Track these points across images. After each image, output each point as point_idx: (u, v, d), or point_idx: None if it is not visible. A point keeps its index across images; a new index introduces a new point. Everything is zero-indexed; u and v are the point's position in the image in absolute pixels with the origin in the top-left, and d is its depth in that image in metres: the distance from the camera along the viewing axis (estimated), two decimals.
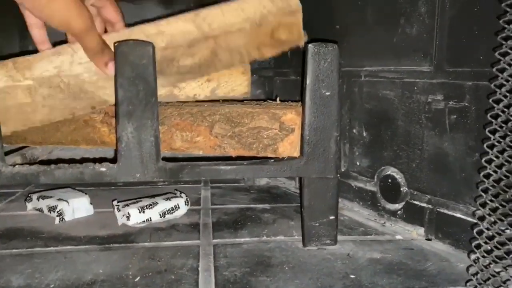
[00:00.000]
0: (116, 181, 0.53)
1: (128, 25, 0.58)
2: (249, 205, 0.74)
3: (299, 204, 0.73)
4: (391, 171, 0.63)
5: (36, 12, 0.48)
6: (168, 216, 0.66)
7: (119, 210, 0.64)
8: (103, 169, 0.52)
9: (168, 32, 0.55)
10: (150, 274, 0.49)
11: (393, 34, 0.61)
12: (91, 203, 0.69)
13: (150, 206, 0.65)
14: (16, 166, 0.52)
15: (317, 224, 0.56)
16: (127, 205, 0.65)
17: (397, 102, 0.61)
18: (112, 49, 0.52)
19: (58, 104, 0.56)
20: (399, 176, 0.62)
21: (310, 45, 0.53)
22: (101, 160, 0.54)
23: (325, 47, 0.53)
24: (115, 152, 0.54)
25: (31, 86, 0.54)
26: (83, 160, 0.54)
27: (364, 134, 0.67)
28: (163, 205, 0.66)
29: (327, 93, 0.53)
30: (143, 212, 0.64)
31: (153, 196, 0.69)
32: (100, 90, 0.56)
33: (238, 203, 0.75)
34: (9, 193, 0.81)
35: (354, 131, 0.69)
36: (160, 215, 0.65)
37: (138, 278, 0.48)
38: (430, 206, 0.58)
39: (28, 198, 0.71)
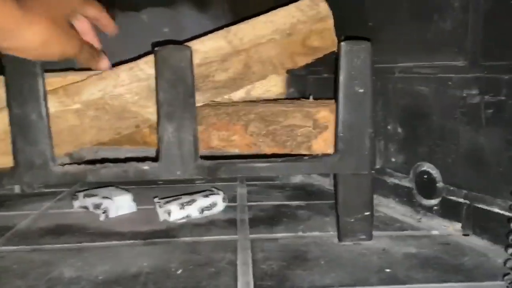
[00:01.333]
0: (158, 178, 0.55)
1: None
2: (284, 202, 0.75)
3: (334, 201, 0.74)
4: (427, 166, 0.63)
5: (31, 57, 0.49)
6: (206, 213, 0.68)
7: (161, 207, 0.67)
8: (146, 167, 0.55)
9: (201, 50, 0.57)
10: (191, 267, 0.51)
11: (426, 29, 0.61)
12: (133, 201, 0.72)
13: (190, 203, 0.67)
14: (66, 165, 0.55)
15: (352, 220, 0.56)
16: (168, 202, 0.68)
17: (431, 97, 0.61)
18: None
19: (105, 124, 0.60)
20: (434, 172, 0.62)
21: (342, 43, 0.53)
22: (143, 159, 0.57)
23: (358, 44, 0.53)
24: (157, 151, 0.56)
25: (80, 110, 0.57)
26: (127, 159, 0.57)
27: (399, 130, 0.67)
28: (202, 202, 0.68)
29: (361, 90, 0.54)
30: (183, 208, 0.66)
31: (192, 194, 0.71)
32: (142, 109, 0.59)
33: (273, 200, 0.77)
34: (57, 192, 0.85)
35: (389, 127, 0.69)
36: (199, 211, 0.68)
37: (181, 270, 0.50)
38: (467, 201, 0.57)
39: (74, 197, 0.75)
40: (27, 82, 0.52)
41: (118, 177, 0.55)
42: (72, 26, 0.50)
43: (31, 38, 0.44)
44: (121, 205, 0.70)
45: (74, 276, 0.50)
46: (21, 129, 0.53)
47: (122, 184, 0.78)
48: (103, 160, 0.59)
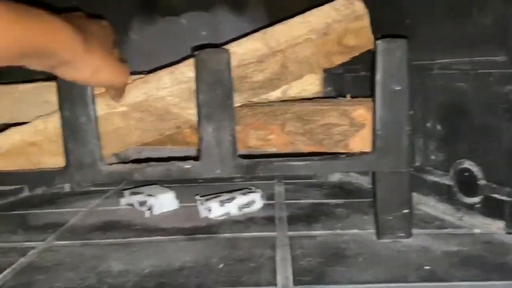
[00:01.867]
0: (199, 177, 0.58)
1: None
2: (322, 200, 0.76)
3: (372, 199, 0.74)
4: (468, 164, 0.62)
5: (80, 83, 0.52)
6: (245, 210, 0.70)
7: (202, 204, 0.69)
8: (188, 166, 0.57)
9: (239, 52, 0.58)
10: (232, 262, 0.53)
11: (465, 25, 0.60)
12: (176, 198, 0.75)
13: (229, 200, 0.69)
14: (113, 165, 0.58)
15: (391, 218, 0.57)
16: (208, 199, 0.70)
17: (471, 93, 0.60)
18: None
19: (149, 126, 0.62)
20: (476, 169, 0.61)
21: (378, 41, 0.54)
22: (185, 158, 0.59)
23: (394, 42, 0.53)
24: (198, 151, 0.59)
25: (125, 112, 0.60)
26: (169, 159, 0.59)
27: (438, 127, 0.67)
28: (241, 199, 0.70)
29: (398, 88, 0.54)
30: (223, 206, 0.68)
31: (231, 191, 0.73)
32: (183, 110, 0.62)
33: (311, 198, 0.78)
34: (104, 191, 0.90)
35: (428, 125, 0.68)
36: (238, 208, 0.69)
37: (222, 265, 0.52)
38: (510, 199, 0.56)
39: (121, 194, 0.79)
40: (76, 87, 0.55)
41: (162, 175, 0.57)
42: (122, 59, 0.53)
43: (85, 70, 0.47)
44: (164, 202, 0.73)
45: (122, 269, 0.53)
46: (71, 131, 0.57)
47: (164, 183, 0.81)
48: (147, 160, 0.62)
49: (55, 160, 0.62)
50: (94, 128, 0.56)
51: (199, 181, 0.91)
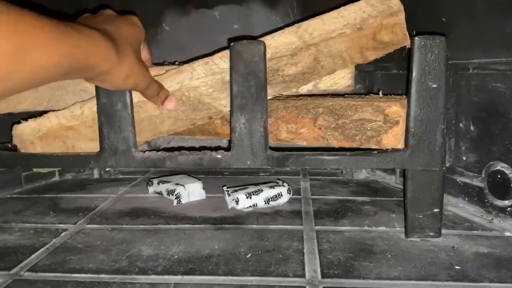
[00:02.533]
0: (230, 167, 0.58)
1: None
2: (348, 197, 0.76)
3: (400, 198, 0.73)
4: (501, 166, 0.61)
5: (108, 88, 0.53)
6: (271, 203, 0.70)
7: (229, 195, 0.70)
8: (219, 156, 0.58)
9: (272, 45, 0.59)
10: (259, 252, 0.54)
11: (504, 24, 0.59)
12: (203, 188, 0.76)
13: (256, 193, 0.70)
14: (146, 152, 0.60)
15: (420, 216, 0.56)
16: (235, 191, 0.71)
17: (508, 94, 0.59)
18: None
19: (181, 115, 0.63)
20: (509, 172, 0.60)
21: (416, 38, 0.53)
22: (216, 148, 0.60)
23: (432, 39, 0.53)
24: (229, 141, 0.59)
25: None
26: (201, 148, 0.60)
27: (472, 128, 0.66)
28: (268, 192, 0.71)
29: (434, 86, 0.53)
30: (250, 198, 0.69)
31: (258, 184, 0.74)
32: (216, 101, 0.63)
33: (337, 194, 0.78)
34: (131, 179, 0.91)
35: (461, 125, 0.67)
36: (264, 201, 0.70)
37: (250, 255, 0.53)
38: None
39: (149, 183, 0.80)
40: None
41: (194, 164, 0.58)
42: (143, 62, 0.52)
43: (118, 76, 0.47)
44: (192, 192, 0.74)
45: (151, 254, 0.54)
46: (107, 117, 0.58)
47: (190, 173, 0.82)
48: (179, 148, 0.63)
49: (90, 145, 0.64)
50: (130, 115, 0.57)
51: (224, 173, 0.92)
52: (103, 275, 0.49)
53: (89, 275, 0.49)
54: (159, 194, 0.78)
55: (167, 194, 0.75)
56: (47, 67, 0.35)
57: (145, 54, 0.56)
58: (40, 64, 0.34)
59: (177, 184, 0.75)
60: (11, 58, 0.31)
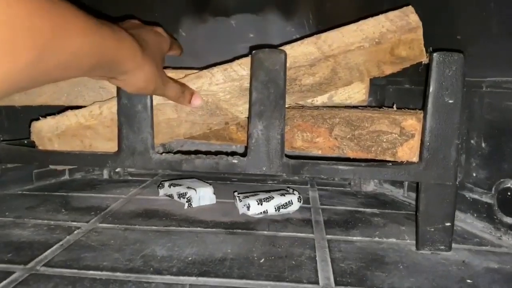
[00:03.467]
0: (245, 172, 0.59)
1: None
2: (357, 208, 0.76)
3: (408, 212, 0.74)
4: (511, 183, 0.62)
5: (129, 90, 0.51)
6: (282, 211, 0.71)
7: (240, 201, 0.71)
8: (235, 161, 0.59)
9: (291, 55, 0.60)
10: (272, 258, 0.54)
11: None
12: (214, 193, 0.77)
13: (267, 200, 0.70)
14: (163, 154, 0.60)
15: (432, 229, 0.57)
16: (247, 197, 0.71)
17: None
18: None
19: (198, 119, 0.64)
20: None
21: (435, 53, 0.54)
22: (232, 153, 0.61)
23: (451, 56, 0.54)
24: (245, 147, 0.60)
25: (177, 104, 0.62)
26: (217, 153, 0.61)
27: (483, 145, 0.67)
28: (278, 200, 0.71)
29: (450, 101, 0.54)
30: (261, 204, 0.69)
31: (269, 191, 0.75)
32: (233, 107, 0.64)
33: (346, 205, 0.78)
34: (141, 181, 0.92)
35: (472, 142, 0.68)
36: (275, 208, 0.70)
37: (263, 260, 0.53)
38: None
39: (160, 185, 0.81)
40: None
41: (210, 168, 0.59)
42: (164, 71, 0.53)
43: (140, 78, 0.47)
44: (203, 196, 0.75)
45: (165, 255, 0.54)
46: (127, 118, 0.59)
47: (202, 178, 0.83)
48: (195, 152, 0.63)
49: (107, 145, 0.65)
50: (150, 116, 0.58)
51: (233, 179, 0.93)
52: (118, 274, 0.49)
53: (104, 272, 0.49)
54: (169, 197, 0.78)
55: (178, 197, 0.76)
56: (79, 56, 0.34)
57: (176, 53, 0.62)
58: (73, 51, 0.33)
59: (188, 187, 0.75)
60: (47, 37, 0.29)
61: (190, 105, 0.59)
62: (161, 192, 0.80)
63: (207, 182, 0.80)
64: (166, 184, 0.79)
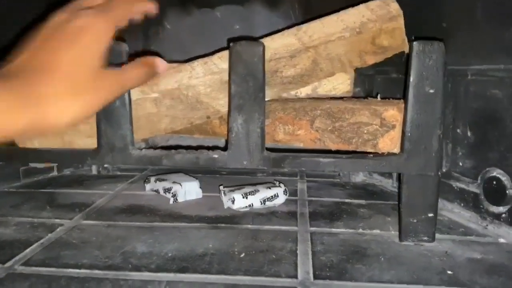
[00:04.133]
0: (226, 167, 0.58)
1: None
2: (344, 200, 0.76)
3: (396, 202, 0.73)
4: (497, 172, 0.61)
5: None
6: (268, 204, 0.71)
7: (225, 195, 0.70)
8: (216, 155, 0.58)
9: (271, 46, 0.59)
10: (253, 252, 0.54)
11: (503, 32, 0.59)
12: (200, 187, 0.76)
13: (252, 193, 0.70)
14: (143, 149, 0.60)
15: (415, 221, 0.56)
16: (232, 190, 0.71)
17: (506, 101, 0.59)
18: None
19: (179, 114, 0.64)
20: (505, 178, 0.60)
21: (414, 42, 0.53)
22: (213, 148, 0.60)
23: (430, 45, 0.53)
24: (226, 141, 0.59)
25: (157, 98, 0.62)
26: (199, 147, 0.60)
27: (469, 134, 0.66)
28: (264, 193, 0.71)
29: (431, 91, 0.53)
30: (246, 198, 0.69)
31: (255, 184, 0.74)
32: (214, 101, 0.63)
33: (333, 197, 0.78)
34: (129, 176, 0.92)
35: (458, 131, 0.68)
36: (261, 202, 0.70)
37: (243, 254, 0.53)
38: None
39: (146, 180, 0.80)
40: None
41: (190, 163, 0.58)
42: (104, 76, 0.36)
43: (58, 111, 0.32)
44: (189, 190, 0.74)
45: (146, 251, 0.54)
46: (105, 114, 0.58)
47: (189, 172, 0.83)
48: (177, 147, 0.63)
49: (87, 141, 0.64)
50: (128, 112, 0.58)
51: (222, 172, 0.93)
52: (96, 271, 0.49)
53: (82, 270, 0.49)
54: (156, 192, 0.78)
55: (164, 192, 0.75)
56: None
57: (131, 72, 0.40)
58: None
59: (174, 182, 0.75)
60: None
61: (159, 72, 0.43)
62: (148, 187, 0.80)
63: (195, 176, 0.80)
64: (153, 179, 0.79)
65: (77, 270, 0.49)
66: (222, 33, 0.89)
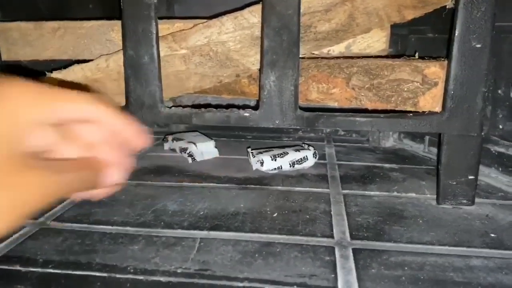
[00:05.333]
0: (257, 126, 0.56)
1: None
2: (375, 164, 0.74)
3: (429, 167, 0.71)
4: None
5: None
6: (297, 166, 0.69)
7: (254, 157, 0.69)
8: (247, 114, 0.56)
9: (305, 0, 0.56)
10: (286, 212, 0.52)
11: None
12: (215, 147, 0.76)
13: (281, 155, 0.68)
14: (173, 107, 0.58)
15: (454, 183, 0.54)
16: (260, 152, 0.69)
17: None
18: None
19: (208, 71, 0.61)
20: None
21: None
22: (244, 107, 0.58)
23: None
24: (257, 100, 0.57)
25: (186, 55, 0.60)
26: (228, 106, 0.58)
27: (511, 95, 0.62)
28: (293, 155, 0.69)
29: (478, 45, 0.50)
30: (275, 160, 0.67)
31: (283, 147, 0.72)
32: (244, 58, 0.60)
33: (363, 161, 0.76)
34: (154, 138, 0.91)
35: (499, 92, 0.64)
36: (290, 164, 0.68)
37: (276, 214, 0.52)
38: None
39: (164, 139, 0.80)
40: (141, 25, 0.55)
41: (220, 121, 0.57)
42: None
43: None
44: (205, 150, 0.74)
45: (177, 210, 0.53)
46: (134, 70, 0.56)
47: (219, 131, 0.81)
48: (206, 106, 0.61)
49: (115, 99, 0.63)
50: (157, 69, 0.56)
51: (247, 136, 0.91)
52: (128, 228, 0.48)
53: (115, 227, 0.49)
54: (173, 151, 0.78)
55: (180, 152, 0.75)
56: None
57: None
58: None
59: (189, 142, 0.74)
60: None
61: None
62: (166, 146, 0.80)
63: (220, 139, 0.78)
64: (170, 138, 0.79)
65: (109, 227, 0.49)
66: None
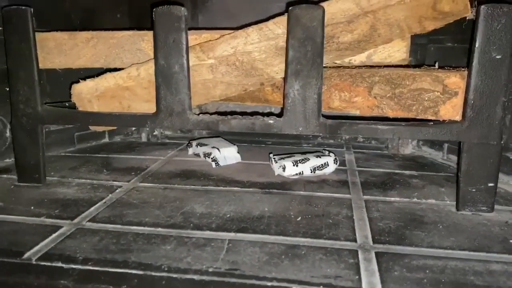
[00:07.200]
0: (281, 132, 0.59)
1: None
2: (395, 170, 0.75)
3: (448, 174, 0.72)
4: None
5: None
6: (318, 172, 0.71)
7: (276, 162, 0.71)
8: (271, 121, 0.58)
9: (329, 11, 0.58)
10: (309, 216, 0.54)
11: None
12: (238, 152, 0.79)
13: (303, 161, 0.70)
14: (200, 114, 0.61)
15: (473, 190, 0.55)
16: (282, 158, 0.71)
17: None
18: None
19: (233, 80, 0.64)
20: None
21: (482, 6, 0.51)
22: (268, 114, 0.61)
23: (500, 8, 0.51)
24: (281, 108, 0.60)
25: (213, 64, 0.62)
26: (253, 114, 0.61)
27: None
28: (314, 161, 0.71)
29: (498, 56, 0.51)
30: (297, 165, 0.69)
31: (304, 153, 0.74)
32: (268, 67, 0.63)
33: (383, 168, 0.77)
34: (178, 144, 0.94)
35: None
36: (311, 170, 0.70)
37: (300, 218, 0.54)
38: None
39: (189, 144, 0.83)
40: (172, 36, 0.57)
41: (246, 128, 0.59)
42: None
43: None
44: (228, 155, 0.77)
45: (204, 212, 0.56)
46: (165, 79, 0.59)
47: (244, 137, 0.84)
48: (231, 113, 0.64)
49: (145, 106, 0.66)
50: (186, 78, 0.59)
51: (267, 142, 0.93)
52: (160, 229, 0.51)
53: (146, 228, 0.51)
54: (197, 156, 0.81)
55: (204, 157, 0.78)
56: None
57: None
58: None
59: (213, 147, 0.77)
60: None
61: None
62: (190, 151, 0.83)
63: (241, 145, 0.81)
64: (194, 143, 0.82)
65: (142, 228, 0.51)
66: (271, 1, 0.88)
